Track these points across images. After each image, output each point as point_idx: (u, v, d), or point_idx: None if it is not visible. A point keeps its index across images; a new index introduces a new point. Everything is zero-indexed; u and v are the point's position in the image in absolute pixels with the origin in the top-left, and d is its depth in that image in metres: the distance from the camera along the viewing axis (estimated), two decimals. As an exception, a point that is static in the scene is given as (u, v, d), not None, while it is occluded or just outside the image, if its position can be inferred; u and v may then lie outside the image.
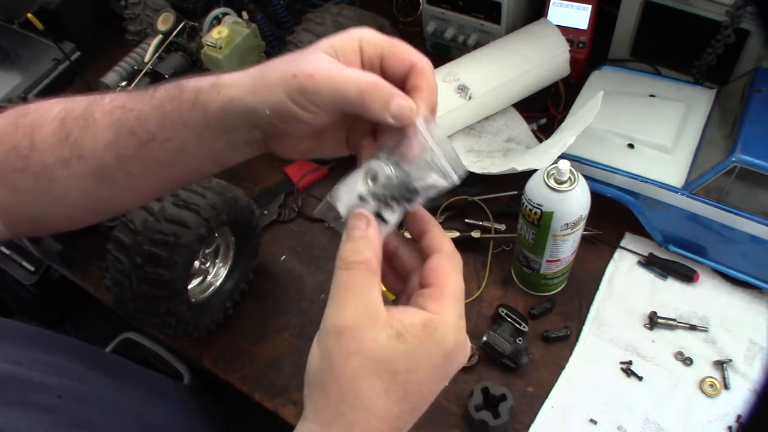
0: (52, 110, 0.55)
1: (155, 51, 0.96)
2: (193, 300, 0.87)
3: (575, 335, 0.86)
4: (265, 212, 1.02)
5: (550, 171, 0.76)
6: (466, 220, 0.96)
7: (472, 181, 0.94)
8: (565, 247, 0.81)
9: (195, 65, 0.99)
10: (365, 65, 0.49)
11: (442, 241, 0.49)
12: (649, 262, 0.91)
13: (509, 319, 0.84)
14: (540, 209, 0.76)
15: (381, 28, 0.97)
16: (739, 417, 0.78)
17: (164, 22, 0.98)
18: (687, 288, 0.89)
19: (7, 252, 1.14)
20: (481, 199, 0.96)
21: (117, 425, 0.67)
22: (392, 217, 0.49)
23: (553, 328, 0.86)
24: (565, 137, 0.84)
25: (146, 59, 0.96)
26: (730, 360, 0.82)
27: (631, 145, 0.90)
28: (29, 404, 0.58)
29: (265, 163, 1.07)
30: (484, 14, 1.06)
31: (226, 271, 0.92)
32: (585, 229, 0.88)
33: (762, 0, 0.55)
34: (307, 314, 0.92)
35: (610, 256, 0.92)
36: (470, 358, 0.82)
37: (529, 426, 0.80)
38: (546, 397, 0.82)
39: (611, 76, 0.99)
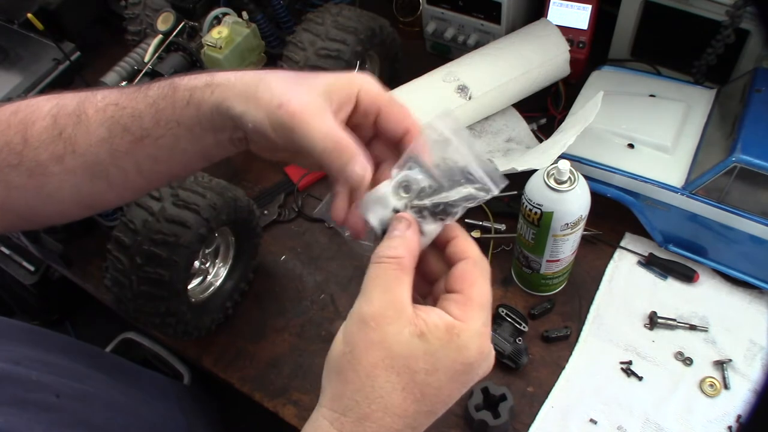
0: (43, 107, 0.56)
1: (155, 51, 0.96)
2: (193, 300, 0.87)
3: (575, 335, 0.86)
4: (265, 212, 1.02)
5: (550, 171, 0.76)
6: (466, 220, 0.96)
7: (472, 181, 0.94)
8: (565, 247, 0.81)
9: (195, 65, 0.99)
10: (358, 114, 0.50)
11: (469, 247, 0.49)
12: (649, 262, 0.91)
13: (509, 319, 0.84)
14: (540, 209, 0.76)
15: (381, 28, 0.98)
16: (739, 417, 0.78)
17: (164, 22, 0.97)
18: (687, 288, 0.89)
19: (7, 252, 1.14)
20: (481, 199, 0.96)
21: (116, 425, 0.67)
22: (430, 228, 0.49)
23: (553, 328, 0.86)
24: (565, 137, 0.84)
25: (146, 59, 0.96)
26: (730, 360, 0.82)
27: (631, 145, 0.90)
28: (27, 403, 0.58)
29: (265, 163, 1.07)
30: (484, 14, 1.07)
31: (226, 271, 0.92)
32: (585, 229, 0.87)
33: (762, 0, 0.55)
34: (307, 314, 0.92)
35: (610, 256, 0.92)
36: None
37: (529, 426, 0.80)
38: (546, 397, 0.82)
39: (611, 76, 0.99)
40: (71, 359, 0.69)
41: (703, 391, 0.80)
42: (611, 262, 0.92)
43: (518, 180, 0.82)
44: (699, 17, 0.94)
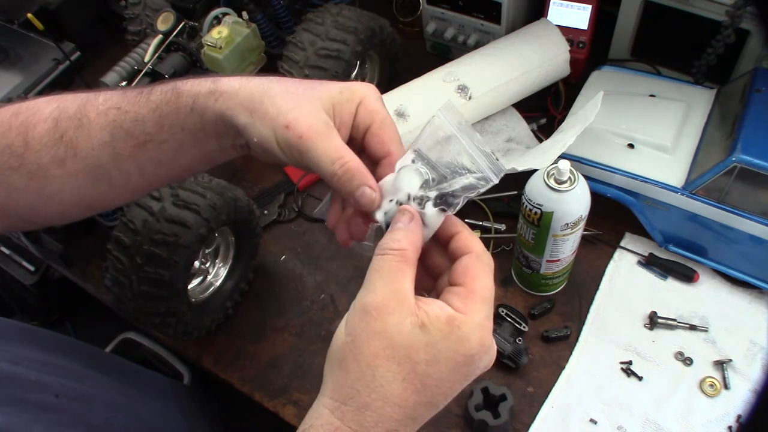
0: (44, 109, 0.56)
1: (155, 51, 0.96)
2: (193, 300, 0.87)
3: (575, 335, 0.86)
4: (265, 212, 1.02)
5: (550, 171, 0.76)
6: (466, 220, 0.95)
7: (472, 181, 0.94)
8: (565, 247, 0.81)
9: (195, 65, 0.99)
10: (353, 127, 0.51)
11: (472, 241, 0.49)
12: (649, 262, 0.90)
13: (509, 319, 0.84)
14: (540, 209, 0.76)
15: (381, 28, 0.98)
16: (739, 417, 0.78)
17: (164, 22, 0.97)
18: (687, 288, 0.89)
19: (7, 252, 1.14)
20: (481, 199, 0.96)
21: (115, 425, 0.67)
22: (433, 220, 0.49)
23: (553, 328, 0.86)
24: (565, 137, 0.84)
25: (146, 59, 0.96)
26: (730, 360, 0.82)
27: (631, 145, 0.90)
28: (26, 403, 0.58)
29: (265, 163, 1.07)
30: (484, 14, 1.07)
31: (226, 271, 0.92)
32: (585, 229, 0.87)
33: (762, 0, 0.55)
34: (307, 314, 0.92)
35: (610, 256, 0.92)
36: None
37: (529, 426, 0.80)
38: (546, 397, 0.82)
39: (611, 76, 0.99)
40: (70, 359, 0.69)
41: (703, 391, 0.80)
42: (611, 262, 0.92)
43: (518, 180, 0.82)
44: (699, 17, 0.94)
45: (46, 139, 0.55)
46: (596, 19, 1.02)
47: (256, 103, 0.49)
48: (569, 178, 0.75)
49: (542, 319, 0.88)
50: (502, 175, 0.49)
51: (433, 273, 0.52)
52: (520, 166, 0.85)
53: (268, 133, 0.48)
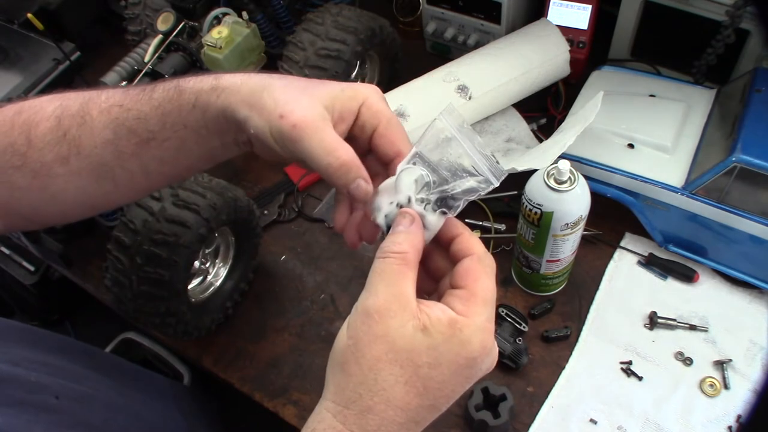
0: (47, 108, 0.56)
1: (155, 51, 0.96)
2: (193, 300, 0.87)
3: (575, 335, 0.86)
4: (265, 212, 1.02)
5: (550, 171, 0.76)
6: (466, 220, 0.96)
7: (472, 181, 0.94)
8: (565, 247, 0.81)
9: (195, 65, 0.99)
10: (356, 128, 0.51)
11: (473, 243, 0.49)
12: (649, 262, 0.90)
13: (509, 319, 0.84)
14: (540, 209, 0.76)
15: (381, 28, 0.98)
16: (739, 417, 0.78)
17: (164, 22, 0.97)
18: (687, 288, 0.89)
19: (7, 252, 1.14)
20: (481, 200, 0.96)
21: (115, 425, 0.67)
22: (434, 222, 0.49)
23: (553, 328, 0.86)
24: (565, 137, 0.84)
25: (146, 59, 0.96)
26: (730, 360, 0.82)
27: (631, 145, 0.90)
28: (26, 404, 0.58)
29: (265, 163, 1.07)
30: (484, 14, 1.06)
31: (226, 271, 0.92)
32: (585, 229, 0.87)
33: (762, 0, 0.55)
34: (307, 314, 0.92)
35: (610, 256, 0.92)
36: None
37: (529, 426, 0.80)
38: (546, 397, 0.82)
39: (611, 76, 0.99)
40: (70, 360, 0.69)
41: (703, 391, 0.80)
42: (611, 262, 0.92)
43: (518, 180, 0.82)
44: (699, 17, 0.94)
45: (49, 137, 0.55)
46: (596, 19, 1.02)
47: (255, 97, 0.49)
48: (569, 178, 0.75)
49: (542, 319, 0.88)
50: (502, 178, 0.49)
51: (435, 275, 0.52)
52: (520, 166, 0.85)
53: (263, 124, 0.48)
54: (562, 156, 0.80)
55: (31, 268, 1.13)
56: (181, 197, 0.78)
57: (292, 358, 0.88)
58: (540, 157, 0.85)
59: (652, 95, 0.94)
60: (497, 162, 0.49)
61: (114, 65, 0.98)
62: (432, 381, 0.45)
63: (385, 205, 0.50)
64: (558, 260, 0.83)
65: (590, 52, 1.05)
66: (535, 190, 0.77)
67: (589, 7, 1.01)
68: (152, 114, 0.53)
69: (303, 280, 0.95)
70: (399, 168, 0.50)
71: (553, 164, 0.76)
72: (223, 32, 0.97)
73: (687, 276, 0.89)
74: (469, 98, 0.96)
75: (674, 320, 0.85)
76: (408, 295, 0.45)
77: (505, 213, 0.96)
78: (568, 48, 1.00)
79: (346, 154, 0.48)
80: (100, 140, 0.54)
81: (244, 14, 1.02)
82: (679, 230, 0.88)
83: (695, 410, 0.79)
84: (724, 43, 0.91)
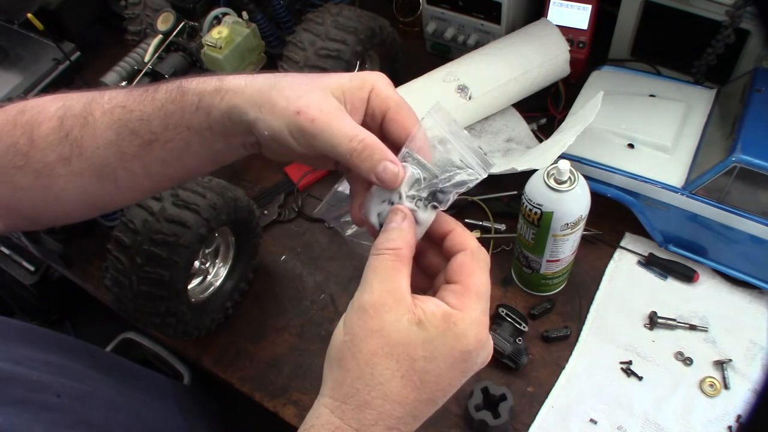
0: (49, 108, 0.56)
1: (155, 51, 0.96)
2: (193, 300, 0.87)
3: (575, 335, 0.86)
4: (265, 212, 1.02)
5: (550, 171, 0.76)
6: (466, 220, 0.96)
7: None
8: (565, 247, 0.81)
9: (195, 65, 0.99)
10: (367, 116, 0.51)
11: (466, 238, 0.49)
12: (649, 262, 0.91)
13: (509, 319, 0.84)
14: (540, 209, 0.76)
15: (381, 28, 0.98)
16: (739, 417, 0.78)
17: (164, 22, 0.98)
18: (687, 288, 0.89)
19: (7, 252, 1.14)
20: (481, 199, 0.96)
21: (116, 425, 0.67)
22: (425, 217, 0.50)
23: (553, 328, 0.86)
24: (565, 137, 0.84)
25: (146, 59, 0.96)
26: (730, 360, 0.82)
27: (631, 145, 0.90)
28: (28, 403, 0.58)
29: (265, 163, 1.07)
30: (484, 14, 1.07)
31: (226, 271, 0.92)
32: (585, 229, 0.88)
33: (762, 0, 0.55)
34: (307, 314, 0.92)
35: (610, 256, 0.92)
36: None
37: (529, 426, 0.80)
38: (546, 397, 0.82)
39: (611, 76, 0.99)
40: (71, 359, 0.69)
41: (703, 391, 0.80)
42: (611, 262, 0.92)
43: (518, 180, 0.82)
44: (699, 17, 0.94)
45: (51, 137, 0.54)
46: (596, 19, 1.02)
47: (263, 97, 0.48)
48: (569, 178, 0.75)
49: (542, 319, 0.88)
50: (490, 169, 0.50)
51: (430, 272, 0.52)
52: (520, 166, 0.85)
53: (279, 123, 0.48)
54: (562, 156, 0.80)
55: (31, 268, 1.13)
56: (181, 197, 0.78)
57: (292, 358, 0.88)
58: (540, 157, 0.86)
59: (652, 95, 0.94)
60: (485, 154, 0.49)
61: (114, 65, 0.98)
62: (428, 374, 0.45)
63: (377, 205, 0.50)
64: (558, 260, 0.83)
65: (590, 52, 1.05)
66: (535, 190, 0.77)
67: (589, 7, 1.01)
68: (155, 115, 0.52)
69: (303, 280, 0.95)
70: None
71: (553, 164, 0.76)
72: (223, 32, 0.97)
73: (687, 276, 0.89)
74: (469, 98, 0.96)
75: (674, 320, 0.85)
76: (402, 290, 0.46)
77: (505, 213, 0.96)
78: (568, 48, 1.00)
79: (369, 137, 0.48)
80: (102, 141, 0.54)
81: (244, 14, 1.02)
82: (679, 230, 0.88)
83: (695, 410, 0.79)
84: (724, 43, 0.91)
